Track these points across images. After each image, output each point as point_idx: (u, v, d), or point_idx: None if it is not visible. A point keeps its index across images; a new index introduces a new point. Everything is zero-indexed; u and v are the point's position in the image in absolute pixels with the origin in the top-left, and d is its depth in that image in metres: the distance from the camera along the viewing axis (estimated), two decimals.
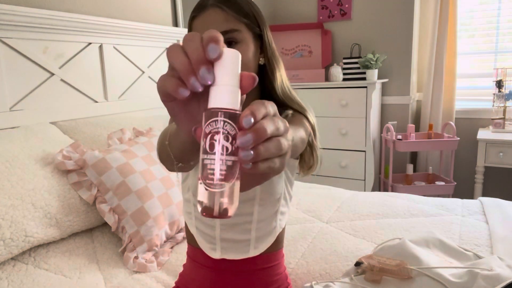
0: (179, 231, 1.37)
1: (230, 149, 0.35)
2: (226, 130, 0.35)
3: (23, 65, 1.44)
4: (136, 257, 1.19)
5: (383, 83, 2.97)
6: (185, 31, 2.19)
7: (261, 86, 0.85)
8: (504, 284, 0.83)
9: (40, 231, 1.13)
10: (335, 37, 3.10)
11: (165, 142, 0.56)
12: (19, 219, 1.08)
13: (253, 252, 0.87)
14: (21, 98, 1.44)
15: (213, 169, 0.35)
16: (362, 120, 2.71)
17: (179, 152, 0.52)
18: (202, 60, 0.35)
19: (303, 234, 1.35)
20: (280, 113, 0.84)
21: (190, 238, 0.94)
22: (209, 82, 0.36)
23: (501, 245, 1.19)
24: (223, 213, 0.36)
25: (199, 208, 0.36)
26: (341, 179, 2.84)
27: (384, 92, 3.01)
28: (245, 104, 0.80)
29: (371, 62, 2.70)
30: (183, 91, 0.36)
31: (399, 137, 2.72)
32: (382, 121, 3.04)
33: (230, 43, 0.76)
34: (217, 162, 0.35)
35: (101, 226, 1.34)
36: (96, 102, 1.73)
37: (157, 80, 0.33)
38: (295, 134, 0.65)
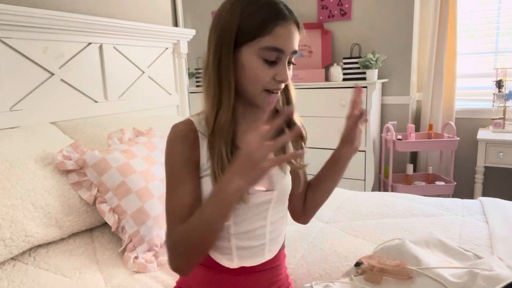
0: None
1: None
2: None
3: (23, 65, 1.44)
4: (136, 257, 1.19)
5: (383, 83, 2.97)
6: (185, 31, 2.18)
7: None
8: (504, 284, 0.83)
9: (40, 231, 1.13)
10: (335, 37, 3.10)
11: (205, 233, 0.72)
12: (19, 219, 1.08)
13: (268, 255, 0.89)
14: (21, 98, 1.44)
15: None
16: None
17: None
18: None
19: (303, 234, 1.35)
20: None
21: None
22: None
23: (501, 245, 1.19)
24: None
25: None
26: (341, 179, 2.84)
27: (384, 92, 3.00)
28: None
29: (371, 62, 2.70)
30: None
31: (399, 137, 2.72)
32: (382, 121, 3.03)
33: (289, 63, 0.80)
34: None
35: (101, 226, 1.33)
36: (96, 102, 1.73)
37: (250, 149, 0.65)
38: None
